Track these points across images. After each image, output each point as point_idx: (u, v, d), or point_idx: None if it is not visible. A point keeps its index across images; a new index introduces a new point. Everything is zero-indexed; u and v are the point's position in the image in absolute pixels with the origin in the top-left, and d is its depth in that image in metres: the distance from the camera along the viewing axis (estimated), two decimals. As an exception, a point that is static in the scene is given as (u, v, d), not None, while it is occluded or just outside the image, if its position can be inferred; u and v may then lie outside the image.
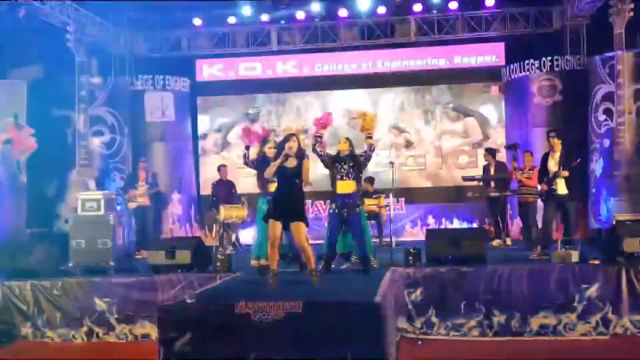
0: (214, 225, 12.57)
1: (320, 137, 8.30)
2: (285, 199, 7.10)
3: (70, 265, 9.11)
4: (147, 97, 14.42)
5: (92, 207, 9.27)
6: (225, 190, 12.37)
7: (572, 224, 9.59)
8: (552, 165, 9.30)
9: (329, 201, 8.64)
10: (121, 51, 14.68)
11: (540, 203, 9.81)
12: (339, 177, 8.17)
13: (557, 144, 9.36)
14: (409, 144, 15.05)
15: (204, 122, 15.50)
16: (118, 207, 11.16)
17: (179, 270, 8.58)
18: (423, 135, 15.04)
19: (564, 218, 9.46)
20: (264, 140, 8.95)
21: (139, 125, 14.31)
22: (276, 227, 7.03)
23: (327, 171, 8.55)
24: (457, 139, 14.94)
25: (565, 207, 9.32)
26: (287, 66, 15.16)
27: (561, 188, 9.21)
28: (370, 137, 8.39)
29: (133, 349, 8.00)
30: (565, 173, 9.14)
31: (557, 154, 9.30)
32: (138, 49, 15.08)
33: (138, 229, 11.86)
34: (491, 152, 12.23)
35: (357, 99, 15.03)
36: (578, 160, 9.29)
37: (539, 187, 9.67)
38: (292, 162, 7.06)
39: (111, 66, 14.59)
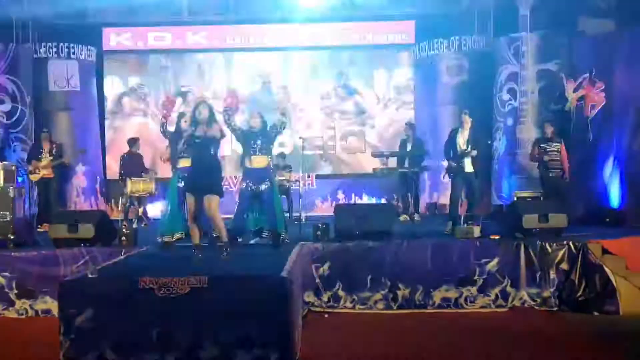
0: (120, 198, 12.30)
1: (230, 110, 8.14)
2: (199, 171, 7.04)
3: (-33, 238, 8.74)
4: (51, 65, 13.91)
5: (-9, 178, 8.91)
6: (133, 163, 12.13)
7: (476, 200, 9.90)
8: (461, 143, 9.55)
9: (240, 176, 8.54)
10: (24, 16, 14.03)
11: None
12: (252, 152, 8.07)
13: (469, 122, 9.60)
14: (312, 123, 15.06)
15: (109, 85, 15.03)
16: (19, 179, 10.77)
17: (82, 245, 8.36)
18: (331, 112, 15.08)
19: (469, 194, 9.73)
20: (181, 114, 8.66)
21: (42, 95, 13.81)
22: (191, 200, 7.05)
23: (236, 146, 8.47)
24: (364, 116, 15.07)
25: (471, 184, 9.61)
26: (197, 37, 14.89)
27: (468, 166, 9.48)
28: (284, 115, 8.39)
29: (33, 325, 7.74)
30: (475, 152, 9.41)
31: (467, 132, 9.54)
32: (42, 14, 14.44)
33: (41, 201, 11.49)
34: (412, 127, 12.37)
35: (265, 61, 14.91)
36: (489, 142, 9.54)
37: (445, 164, 9.93)
38: (203, 130, 6.96)
39: (13, 32, 13.94)
